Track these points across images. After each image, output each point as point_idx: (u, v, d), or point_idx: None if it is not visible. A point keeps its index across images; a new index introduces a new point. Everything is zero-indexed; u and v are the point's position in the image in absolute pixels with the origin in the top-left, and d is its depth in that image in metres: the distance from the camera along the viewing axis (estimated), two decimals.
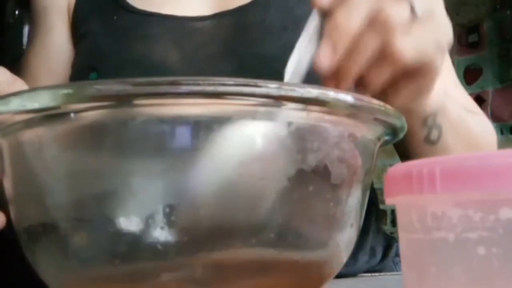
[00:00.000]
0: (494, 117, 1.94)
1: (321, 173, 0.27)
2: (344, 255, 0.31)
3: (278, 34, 0.58)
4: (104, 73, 0.60)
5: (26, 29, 2.12)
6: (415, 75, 0.37)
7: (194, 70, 0.59)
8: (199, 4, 0.63)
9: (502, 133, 1.92)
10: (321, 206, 0.28)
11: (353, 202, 0.30)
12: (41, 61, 0.68)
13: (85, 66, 0.62)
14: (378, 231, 0.67)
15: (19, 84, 0.42)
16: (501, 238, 0.18)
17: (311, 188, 0.27)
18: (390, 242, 0.68)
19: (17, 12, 2.06)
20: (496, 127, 1.91)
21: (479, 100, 1.99)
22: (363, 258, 0.63)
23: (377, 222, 0.68)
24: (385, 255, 0.66)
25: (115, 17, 0.63)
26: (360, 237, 0.63)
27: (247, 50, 0.59)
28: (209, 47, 0.60)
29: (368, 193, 0.32)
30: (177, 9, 0.63)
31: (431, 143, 0.47)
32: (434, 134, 0.46)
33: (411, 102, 0.41)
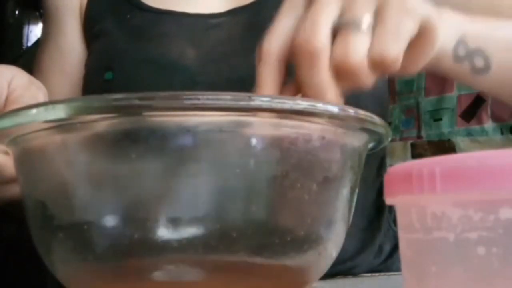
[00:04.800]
0: (494, 117, 1.94)
1: (309, 174, 0.29)
2: (332, 253, 0.32)
3: None
4: (119, 73, 0.60)
5: (26, 29, 2.12)
6: (413, 51, 0.36)
7: (210, 68, 0.58)
8: (213, 1, 0.63)
9: (502, 133, 1.92)
10: (309, 204, 0.29)
11: (340, 201, 0.31)
12: (53, 61, 0.68)
13: (100, 66, 0.62)
14: (389, 229, 0.67)
15: (34, 88, 0.43)
16: (501, 238, 0.18)
17: (298, 187, 0.29)
18: (398, 242, 0.67)
19: (17, 12, 2.06)
20: (496, 127, 1.91)
21: (479, 100, 1.99)
22: (370, 255, 0.63)
23: (388, 220, 0.68)
24: (390, 255, 0.66)
25: (128, 16, 0.63)
26: (371, 234, 0.64)
27: None
28: (225, 44, 0.60)
29: (356, 193, 0.33)
30: (191, 6, 0.63)
31: (483, 72, 0.42)
32: (478, 62, 0.42)
33: (424, 61, 0.38)
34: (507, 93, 0.47)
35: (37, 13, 2.14)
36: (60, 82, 0.66)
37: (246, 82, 0.57)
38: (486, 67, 0.42)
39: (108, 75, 0.60)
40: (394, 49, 0.34)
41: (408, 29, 0.35)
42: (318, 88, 0.34)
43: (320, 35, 0.34)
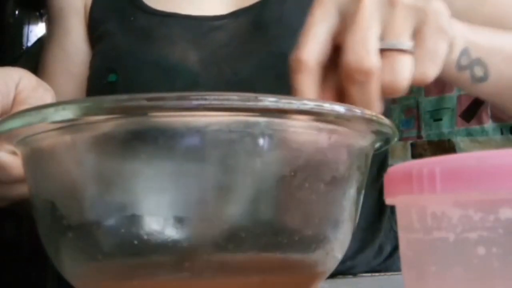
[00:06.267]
0: (494, 117, 1.94)
1: (317, 174, 0.29)
2: (339, 253, 0.32)
3: (297, 31, 0.58)
4: (123, 75, 0.60)
5: (26, 29, 2.12)
6: None
7: (213, 70, 0.59)
8: (216, 2, 0.63)
9: (502, 133, 1.92)
10: (317, 204, 0.29)
11: (347, 201, 0.31)
12: (58, 62, 0.68)
13: (104, 68, 0.62)
14: (390, 230, 0.67)
15: (41, 90, 0.43)
16: (501, 238, 0.18)
17: (306, 187, 0.29)
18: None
19: (17, 12, 2.06)
20: (496, 127, 1.91)
21: (479, 100, 1.99)
22: (370, 254, 0.64)
23: (390, 221, 0.68)
24: (390, 256, 0.66)
25: (132, 18, 0.63)
26: (371, 235, 0.64)
27: (265, 48, 0.58)
28: (228, 46, 0.60)
29: (362, 193, 0.33)
30: (194, 8, 0.63)
31: (481, 80, 0.44)
32: (477, 71, 0.44)
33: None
34: (504, 100, 0.49)
35: (37, 13, 2.14)
36: (65, 82, 0.66)
37: (248, 84, 0.58)
38: (485, 76, 0.44)
39: (112, 77, 0.60)
40: (433, 71, 0.36)
41: (444, 51, 0.37)
42: (367, 103, 0.35)
43: (372, 56, 0.35)
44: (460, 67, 0.42)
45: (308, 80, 0.36)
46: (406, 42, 0.35)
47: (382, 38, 0.35)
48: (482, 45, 0.43)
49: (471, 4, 0.58)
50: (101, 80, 0.61)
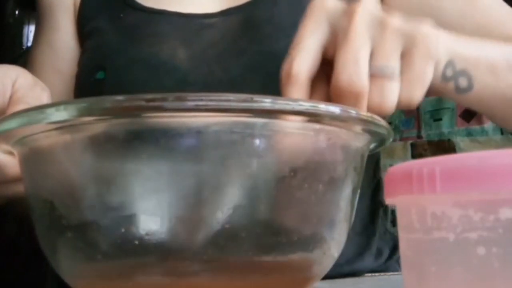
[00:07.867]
0: None
1: (315, 175, 0.29)
2: (335, 252, 0.32)
3: (288, 30, 0.57)
4: (111, 72, 0.59)
5: (26, 29, 2.12)
6: None
7: (202, 69, 0.58)
8: (206, 0, 0.63)
9: (502, 133, 1.92)
10: (316, 205, 0.30)
11: (343, 201, 0.31)
12: (46, 59, 0.67)
13: (92, 65, 0.61)
14: (385, 233, 0.67)
15: (38, 89, 0.43)
16: (501, 238, 0.18)
17: (305, 188, 0.29)
18: (396, 243, 0.67)
19: (17, 12, 2.06)
20: (496, 127, 1.91)
21: None
22: (369, 259, 0.63)
23: (384, 223, 0.68)
24: (390, 257, 0.66)
25: (122, 15, 0.63)
26: (366, 238, 0.64)
27: (256, 47, 0.58)
28: (218, 45, 0.60)
29: (358, 193, 0.33)
30: (184, 6, 0.62)
31: (465, 91, 0.44)
32: (462, 82, 0.44)
33: None
34: (489, 109, 0.49)
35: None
36: (53, 79, 0.66)
37: (238, 83, 0.57)
38: (469, 87, 0.44)
39: (100, 75, 0.59)
40: (419, 95, 0.37)
41: (431, 74, 0.38)
42: None
43: (363, 78, 0.35)
44: (445, 78, 0.43)
45: (298, 93, 0.36)
46: (394, 67, 0.36)
47: (371, 58, 0.36)
48: (467, 56, 0.43)
49: (462, 13, 0.58)
50: (89, 78, 0.61)
